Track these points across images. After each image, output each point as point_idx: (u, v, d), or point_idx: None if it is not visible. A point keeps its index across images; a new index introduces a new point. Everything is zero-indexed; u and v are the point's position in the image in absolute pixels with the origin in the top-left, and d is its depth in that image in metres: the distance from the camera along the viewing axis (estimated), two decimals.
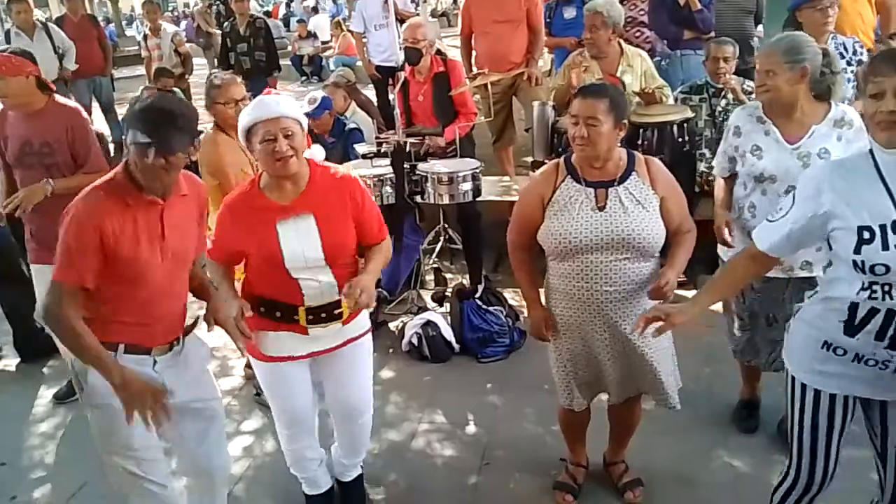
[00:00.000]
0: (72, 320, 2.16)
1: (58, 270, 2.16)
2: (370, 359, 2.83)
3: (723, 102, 4.56)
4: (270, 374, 2.70)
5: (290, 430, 2.82)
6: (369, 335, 2.79)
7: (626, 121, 2.54)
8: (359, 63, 8.34)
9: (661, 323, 2.31)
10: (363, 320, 2.74)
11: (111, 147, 6.59)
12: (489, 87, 5.05)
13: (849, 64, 3.88)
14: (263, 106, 2.43)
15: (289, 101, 2.50)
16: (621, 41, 4.61)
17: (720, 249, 3.15)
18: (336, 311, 2.58)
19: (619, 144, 2.58)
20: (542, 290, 2.77)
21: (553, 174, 2.65)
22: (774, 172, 2.85)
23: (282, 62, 8.38)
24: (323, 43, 14.32)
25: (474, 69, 5.28)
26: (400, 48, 5.17)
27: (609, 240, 2.51)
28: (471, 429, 3.56)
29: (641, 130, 4.34)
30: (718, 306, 4.13)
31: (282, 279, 2.50)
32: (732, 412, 3.43)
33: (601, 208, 2.53)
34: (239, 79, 3.57)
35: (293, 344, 2.62)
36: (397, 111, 4.59)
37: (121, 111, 7.92)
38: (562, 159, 2.67)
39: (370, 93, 7.29)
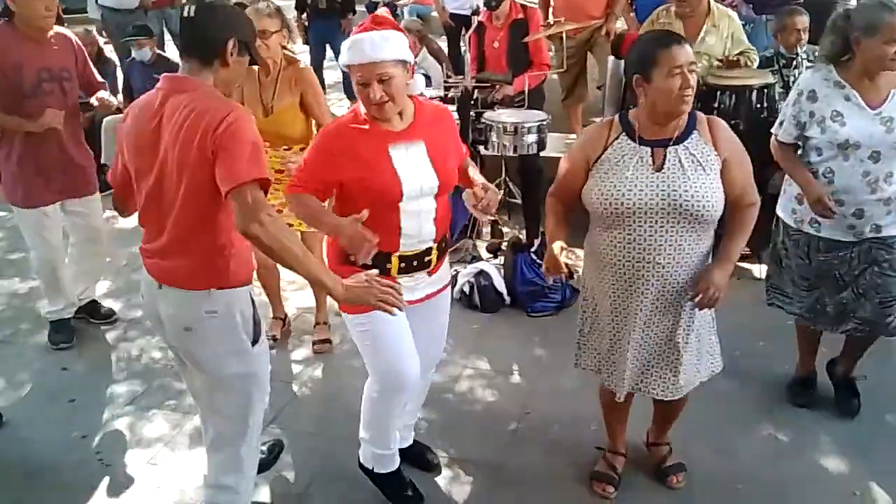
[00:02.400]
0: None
1: None
2: (448, 312, 2.77)
3: (796, 72, 4.36)
4: (375, 326, 2.45)
5: (398, 395, 2.58)
6: (450, 288, 2.74)
7: None
8: (433, 14, 8.24)
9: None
10: (446, 272, 2.67)
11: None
12: (564, 39, 4.94)
13: None
14: (358, 48, 2.27)
15: (388, 41, 2.28)
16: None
17: (781, 209, 3.07)
18: (426, 259, 2.49)
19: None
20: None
21: (605, 131, 2.47)
22: (859, 139, 2.77)
23: (358, 7, 8.34)
24: None
25: (551, 19, 5.17)
26: None
27: (665, 204, 2.33)
28: (514, 378, 3.58)
29: (718, 93, 4.20)
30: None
31: (381, 218, 2.33)
32: (786, 387, 3.35)
33: (658, 168, 2.36)
34: (271, 9, 3.39)
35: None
36: (468, 56, 4.53)
37: None
38: (616, 115, 2.51)
39: (443, 43, 7.22)
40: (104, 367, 3.75)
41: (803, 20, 4.25)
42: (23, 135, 3.53)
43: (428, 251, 2.49)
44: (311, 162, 2.42)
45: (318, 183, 2.40)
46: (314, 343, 3.84)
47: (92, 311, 4.12)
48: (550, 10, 5.68)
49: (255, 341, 2.33)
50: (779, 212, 3.10)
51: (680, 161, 2.35)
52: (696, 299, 2.39)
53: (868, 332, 3.03)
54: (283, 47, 3.49)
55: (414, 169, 2.36)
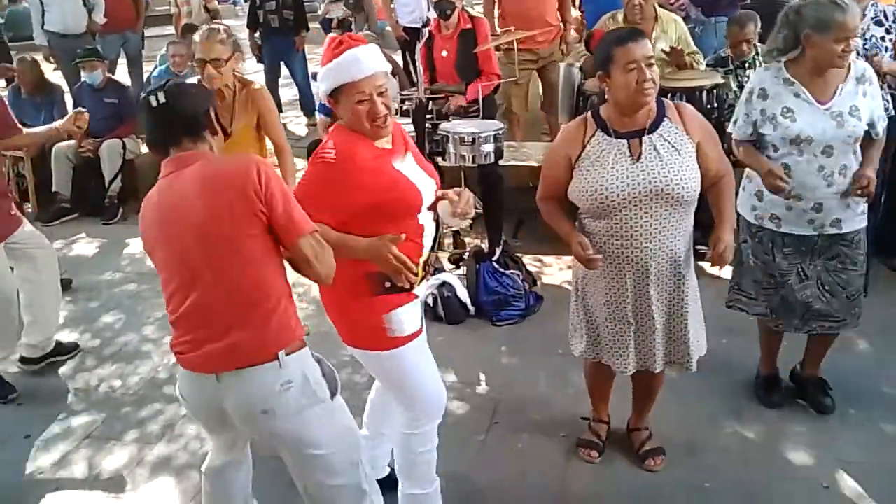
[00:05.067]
0: None
1: None
2: None
3: (750, 73, 4.43)
4: (415, 355, 2.39)
5: (436, 422, 2.53)
6: None
7: None
8: (388, 28, 8.26)
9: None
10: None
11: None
12: (516, 49, 4.96)
13: (888, 32, 3.76)
14: (354, 64, 2.19)
15: (377, 53, 2.25)
16: (656, 5, 4.50)
17: (741, 206, 3.09)
18: (430, 261, 2.45)
19: None
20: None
21: (581, 129, 2.58)
22: (811, 134, 2.81)
23: (312, 25, 8.33)
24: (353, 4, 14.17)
25: (498, 29, 5.18)
26: (430, 4, 5.09)
27: (647, 192, 2.45)
28: (482, 389, 3.55)
29: (670, 96, 4.24)
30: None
31: (410, 227, 2.29)
32: (753, 386, 3.37)
33: (636, 159, 2.48)
34: (222, 35, 3.33)
35: (415, 312, 2.37)
36: (420, 68, 4.53)
37: (147, 68, 7.92)
38: (589, 113, 2.62)
39: (397, 57, 7.21)
40: (61, 399, 3.63)
41: (748, 31, 4.33)
42: None
43: (430, 252, 2.44)
44: (316, 194, 2.22)
45: (327, 213, 2.21)
46: None
47: (57, 353, 3.96)
48: (496, 20, 5.69)
49: (333, 393, 2.18)
50: (739, 209, 3.11)
51: (656, 148, 2.47)
52: (710, 256, 2.57)
53: (837, 328, 3.07)
54: (235, 71, 3.45)
55: (418, 177, 2.34)
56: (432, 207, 2.45)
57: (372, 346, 2.37)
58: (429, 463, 2.59)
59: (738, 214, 3.13)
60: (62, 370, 3.90)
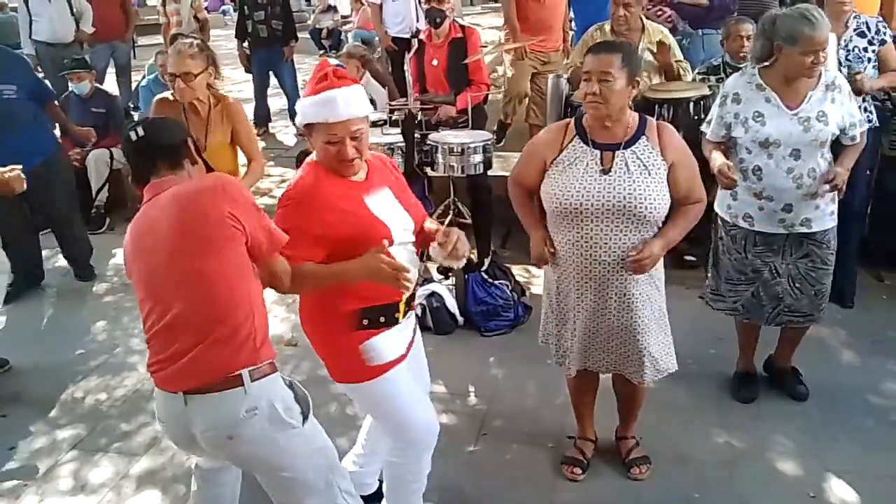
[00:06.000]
0: None
1: None
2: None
3: None
4: (393, 384, 2.36)
5: (429, 450, 2.50)
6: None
7: (639, 79, 2.51)
8: (377, 38, 8.28)
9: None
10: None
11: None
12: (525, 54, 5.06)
13: (871, 43, 3.79)
14: (330, 106, 2.15)
15: (358, 97, 2.20)
16: (643, 17, 4.53)
17: (718, 205, 3.22)
18: (415, 293, 2.43)
19: (631, 107, 2.55)
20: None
21: (561, 133, 2.63)
22: (778, 137, 2.95)
23: (301, 35, 8.33)
24: (343, 17, 14.22)
25: (501, 37, 5.22)
26: (421, 11, 5.12)
27: (610, 205, 2.48)
28: (471, 400, 3.54)
29: (657, 107, 4.27)
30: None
31: None
32: (729, 383, 3.44)
33: (606, 171, 2.50)
34: (193, 50, 3.34)
35: (397, 338, 2.36)
36: (409, 78, 4.54)
37: (136, 77, 7.90)
38: (572, 119, 2.66)
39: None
40: (45, 411, 3.60)
41: (747, 28, 4.34)
42: None
43: (416, 287, 2.43)
44: (294, 226, 2.17)
45: (308, 243, 2.18)
46: None
47: None
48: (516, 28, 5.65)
49: (305, 417, 2.17)
50: (716, 208, 3.24)
51: (626, 164, 2.49)
52: (629, 259, 2.50)
53: (803, 322, 3.21)
54: (210, 86, 3.44)
55: (391, 213, 2.30)
56: (420, 245, 2.44)
57: (353, 379, 2.36)
58: (415, 492, 2.58)
59: (714, 213, 3.25)
60: (47, 382, 3.85)
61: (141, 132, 2.16)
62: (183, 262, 2.04)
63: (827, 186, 2.93)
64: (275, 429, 2.09)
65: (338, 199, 2.22)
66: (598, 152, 2.53)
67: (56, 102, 4.88)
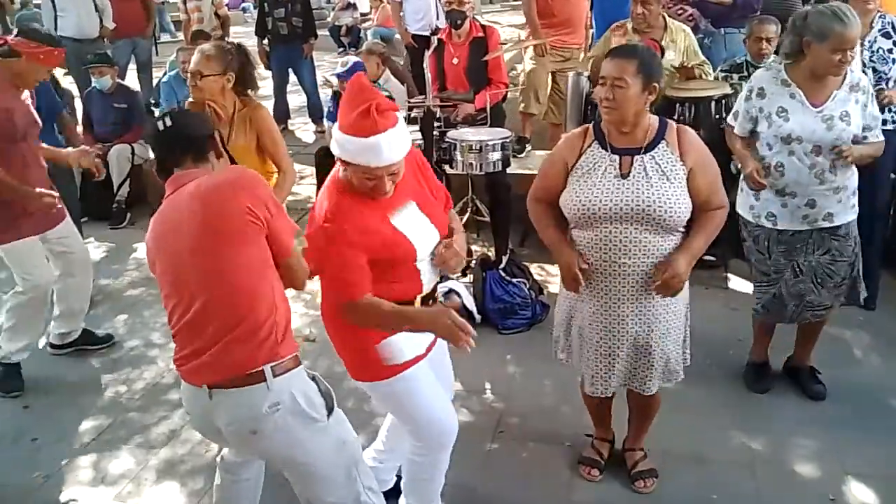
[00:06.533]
0: None
1: None
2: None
3: None
4: (411, 383, 2.36)
5: (447, 449, 2.51)
6: None
7: (657, 84, 2.45)
8: (397, 36, 8.28)
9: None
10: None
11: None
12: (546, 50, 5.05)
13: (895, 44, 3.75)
14: (374, 151, 2.10)
15: (401, 137, 2.15)
16: (665, 15, 4.51)
17: (740, 207, 3.22)
18: (436, 293, 2.45)
19: (649, 111, 2.52)
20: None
21: (580, 139, 2.61)
22: (801, 134, 2.95)
23: (320, 32, 8.33)
24: (362, 14, 14.23)
25: (522, 34, 5.22)
26: (442, 11, 5.12)
27: (629, 210, 2.45)
28: (487, 397, 3.54)
29: (678, 105, 4.24)
30: (744, 286, 4.10)
31: (404, 273, 2.29)
32: (742, 375, 3.45)
33: (624, 176, 2.48)
34: (212, 52, 3.31)
35: (415, 337, 2.35)
36: (429, 75, 4.54)
37: (157, 74, 7.96)
38: (591, 124, 2.63)
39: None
40: (67, 402, 3.64)
41: (769, 29, 4.29)
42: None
43: (436, 287, 2.44)
44: (348, 259, 2.17)
45: (365, 274, 2.19)
46: None
47: (86, 341, 4.09)
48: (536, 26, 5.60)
49: (330, 411, 2.19)
50: (738, 210, 3.23)
51: (645, 169, 2.46)
52: (656, 284, 2.48)
53: (823, 314, 3.22)
54: (238, 91, 3.39)
55: (417, 230, 2.28)
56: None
57: (371, 377, 2.38)
58: (434, 491, 2.59)
59: (738, 215, 3.24)
60: (72, 371, 3.91)
61: (169, 122, 2.18)
62: (205, 258, 2.05)
63: (837, 155, 2.92)
64: (298, 423, 2.10)
65: (367, 220, 2.20)
66: (616, 157, 2.51)
67: (65, 112, 4.83)
